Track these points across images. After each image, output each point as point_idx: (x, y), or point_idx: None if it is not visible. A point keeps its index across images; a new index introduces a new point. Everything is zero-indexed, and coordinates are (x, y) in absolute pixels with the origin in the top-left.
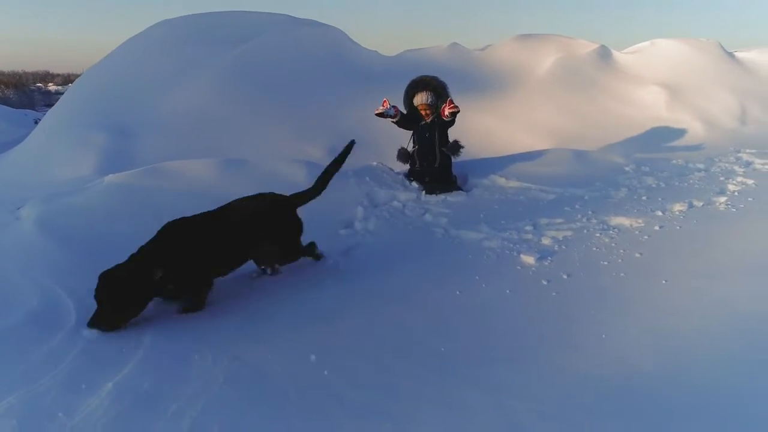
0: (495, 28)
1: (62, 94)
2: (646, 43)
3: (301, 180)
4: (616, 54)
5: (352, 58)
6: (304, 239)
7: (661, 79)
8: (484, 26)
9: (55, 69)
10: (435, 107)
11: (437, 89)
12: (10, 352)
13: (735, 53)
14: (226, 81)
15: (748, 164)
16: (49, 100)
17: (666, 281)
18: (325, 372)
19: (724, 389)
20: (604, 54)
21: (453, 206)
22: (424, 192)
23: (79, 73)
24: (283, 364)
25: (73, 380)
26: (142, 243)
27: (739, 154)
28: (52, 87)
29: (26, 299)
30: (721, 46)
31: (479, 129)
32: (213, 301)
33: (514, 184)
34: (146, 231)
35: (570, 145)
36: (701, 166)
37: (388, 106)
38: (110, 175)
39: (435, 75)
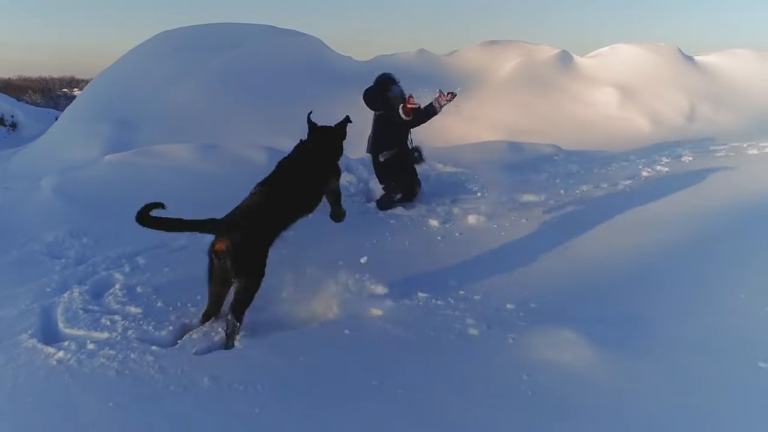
0: (469, 36)
1: None
2: (606, 48)
3: (262, 161)
4: (577, 58)
5: (327, 63)
6: None
7: (617, 81)
8: (456, 34)
9: (80, 75)
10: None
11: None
12: (29, 269)
13: (695, 57)
14: (215, 83)
15: (677, 156)
16: None
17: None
18: None
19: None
20: (564, 58)
21: None
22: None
23: None
24: None
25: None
26: (132, 205)
27: (676, 149)
28: (77, 92)
29: (44, 237)
30: (679, 50)
31: (438, 125)
32: None
33: (450, 169)
34: (136, 196)
35: (521, 139)
36: (632, 157)
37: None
38: (110, 155)
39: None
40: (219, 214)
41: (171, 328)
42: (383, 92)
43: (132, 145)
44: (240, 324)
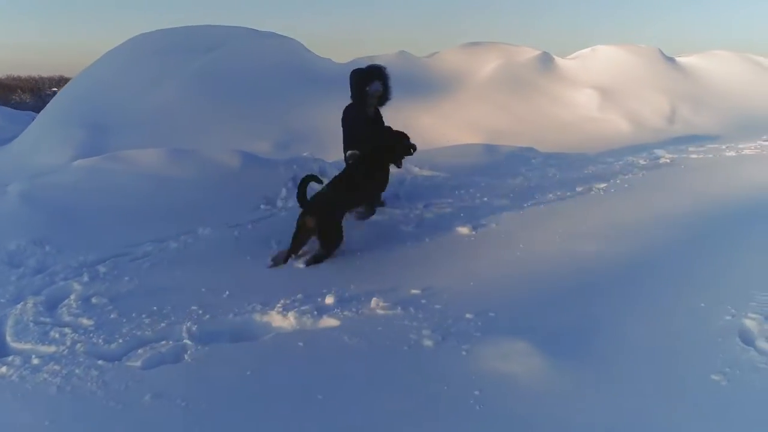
0: (449, 37)
1: None
2: (587, 50)
3: (235, 166)
4: (558, 60)
5: (306, 65)
6: (223, 204)
7: (597, 83)
8: (436, 36)
9: (69, 73)
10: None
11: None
12: None
13: (676, 58)
14: (193, 86)
15: (655, 159)
16: None
17: (506, 243)
18: None
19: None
20: (545, 60)
21: None
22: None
23: None
24: None
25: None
26: (99, 213)
27: (654, 151)
28: None
29: (5, 245)
30: (660, 52)
31: (416, 126)
32: None
33: (426, 172)
34: (103, 204)
35: (500, 141)
36: (610, 159)
37: None
38: (79, 161)
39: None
40: (190, 221)
41: (121, 341)
42: (364, 83)
43: (105, 151)
44: (326, 257)
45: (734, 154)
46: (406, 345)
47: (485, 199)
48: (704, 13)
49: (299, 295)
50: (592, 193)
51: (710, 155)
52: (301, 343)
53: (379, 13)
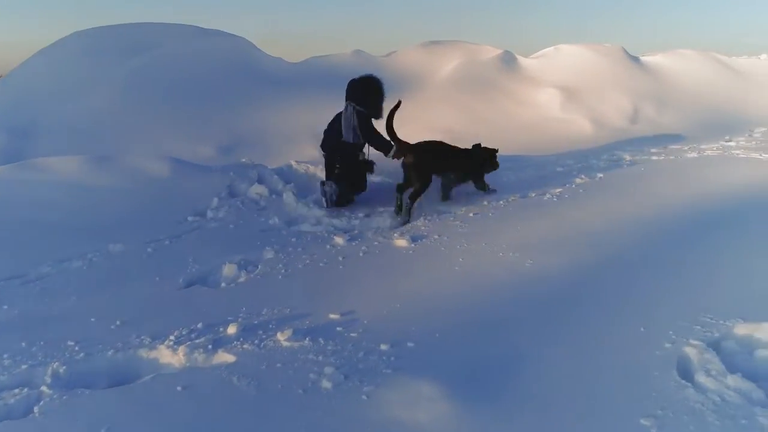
0: (408, 36)
1: None
2: (551, 49)
3: (164, 174)
4: (521, 59)
5: (256, 64)
6: (145, 216)
7: (560, 82)
8: (394, 34)
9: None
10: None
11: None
12: None
13: (641, 57)
14: (128, 88)
15: (616, 161)
16: None
17: (446, 257)
18: None
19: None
20: (507, 59)
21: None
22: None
23: None
24: None
25: None
26: (6, 228)
27: (615, 152)
28: None
29: None
30: (624, 51)
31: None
32: None
33: (374, 178)
34: (13, 217)
35: (458, 142)
36: (570, 161)
37: None
38: None
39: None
40: (104, 236)
41: None
42: (381, 97)
43: (27, 157)
44: (413, 204)
45: (696, 155)
46: (301, 388)
47: (434, 206)
48: (669, 12)
49: (199, 324)
50: (546, 198)
51: (672, 156)
52: (179, 388)
53: (333, 10)
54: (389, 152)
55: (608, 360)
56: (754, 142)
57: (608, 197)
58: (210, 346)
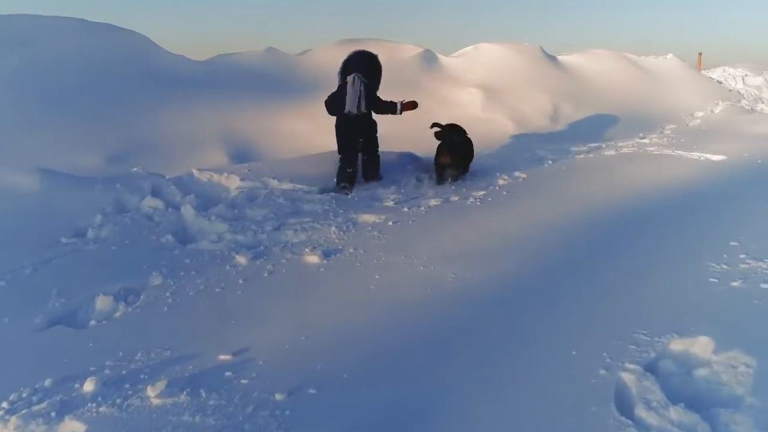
0: (324, 34)
1: None
2: (470, 48)
3: (33, 189)
4: (442, 58)
5: (154, 62)
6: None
7: (481, 81)
8: (309, 32)
9: None
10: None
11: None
12: None
13: (558, 56)
14: (2, 88)
15: (540, 159)
16: None
17: (360, 274)
18: None
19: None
20: (428, 58)
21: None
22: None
23: None
24: None
25: None
26: None
27: (537, 151)
28: None
29: None
30: (542, 50)
31: (284, 132)
32: None
33: (285, 185)
34: None
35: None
36: (493, 162)
37: None
38: None
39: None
40: None
41: None
42: (381, 72)
43: None
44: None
45: (614, 153)
46: None
47: (349, 215)
48: (585, 12)
49: (47, 381)
50: (469, 202)
51: (591, 154)
52: None
53: (243, 5)
54: (397, 110)
55: (541, 392)
56: (665, 139)
57: (532, 200)
58: (53, 414)
